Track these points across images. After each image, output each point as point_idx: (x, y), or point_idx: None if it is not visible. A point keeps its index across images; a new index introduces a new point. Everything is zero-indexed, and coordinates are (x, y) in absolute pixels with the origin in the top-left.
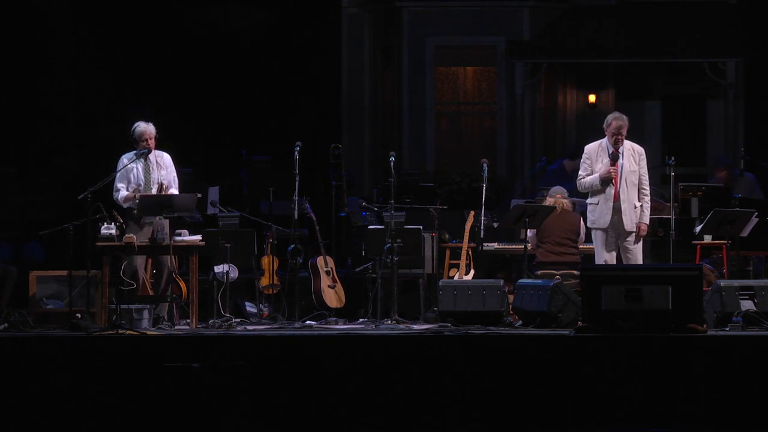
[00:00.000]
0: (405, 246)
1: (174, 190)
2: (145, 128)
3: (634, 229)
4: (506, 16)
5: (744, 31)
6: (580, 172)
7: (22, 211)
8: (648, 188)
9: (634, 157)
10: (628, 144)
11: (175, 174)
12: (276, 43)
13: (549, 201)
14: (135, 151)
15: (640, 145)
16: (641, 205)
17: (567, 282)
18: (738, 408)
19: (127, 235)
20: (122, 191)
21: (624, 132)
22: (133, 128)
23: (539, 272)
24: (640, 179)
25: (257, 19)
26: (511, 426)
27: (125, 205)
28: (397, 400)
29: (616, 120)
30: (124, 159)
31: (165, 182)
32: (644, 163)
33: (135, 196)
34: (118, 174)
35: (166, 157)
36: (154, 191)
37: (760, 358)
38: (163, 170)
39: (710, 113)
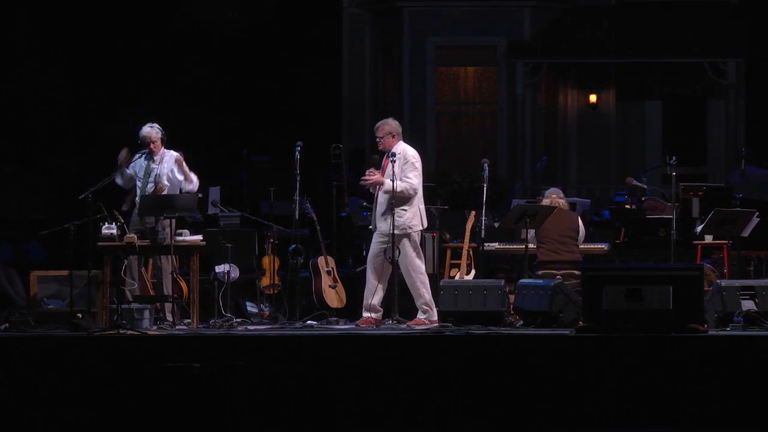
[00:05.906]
0: None
1: (166, 182)
2: (149, 132)
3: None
4: (507, 16)
5: (744, 31)
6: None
7: (22, 211)
8: (402, 189)
9: (399, 161)
10: (400, 148)
11: (173, 167)
12: (277, 43)
13: (545, 202)
14: (138, 153)
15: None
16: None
17: (568, 282)
18: (739, 408)
19: (127, 235)
20: (117, 178)
21: (378, 136)
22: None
23: (540, 272)
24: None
25: (258, 19)
26: (512, 426)
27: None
28: (397, 400)
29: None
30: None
31: (162, 177)
32: (403, 166)
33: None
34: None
35: (168, 155)
36: (150, 183)
37: (761, 358)
38: (164, 165)
39: (710, 113)
